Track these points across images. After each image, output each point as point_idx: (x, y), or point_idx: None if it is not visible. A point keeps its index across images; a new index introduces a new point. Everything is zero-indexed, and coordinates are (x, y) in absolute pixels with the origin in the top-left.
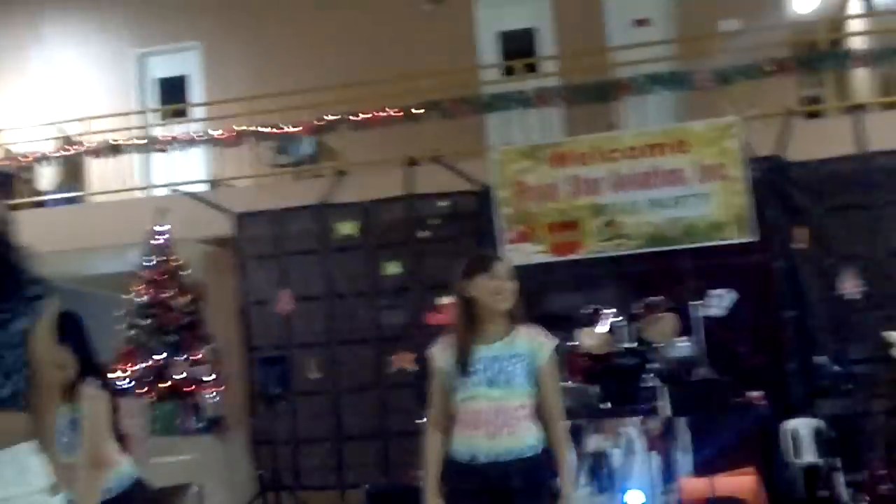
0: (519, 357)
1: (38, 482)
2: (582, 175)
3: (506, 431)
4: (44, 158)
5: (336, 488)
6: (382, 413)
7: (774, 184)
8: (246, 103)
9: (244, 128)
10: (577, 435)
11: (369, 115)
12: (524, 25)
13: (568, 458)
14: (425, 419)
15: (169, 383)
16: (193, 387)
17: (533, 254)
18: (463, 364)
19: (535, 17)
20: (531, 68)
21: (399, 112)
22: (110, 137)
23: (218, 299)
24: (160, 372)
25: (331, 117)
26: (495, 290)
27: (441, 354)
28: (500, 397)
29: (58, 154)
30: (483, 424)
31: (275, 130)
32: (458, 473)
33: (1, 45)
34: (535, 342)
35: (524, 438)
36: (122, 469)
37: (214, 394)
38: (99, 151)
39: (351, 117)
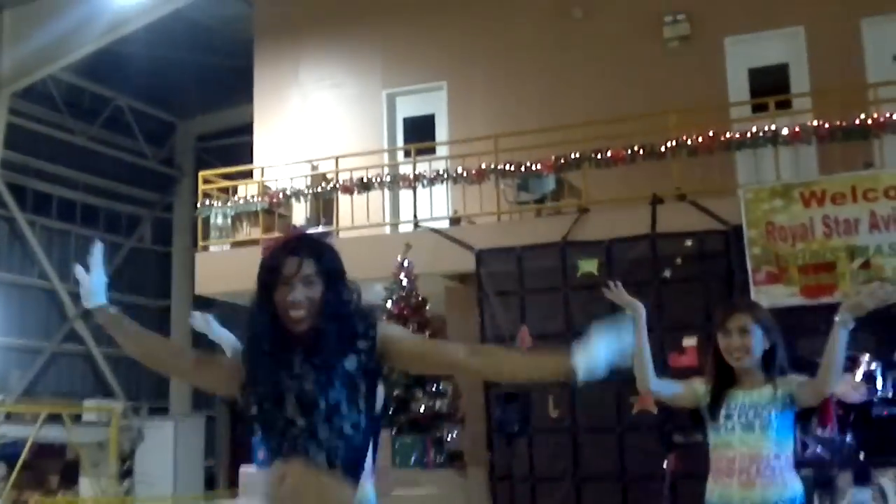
0: (775, 401)
1: None
2: (837, 215)
3: (759, 482)
4: (298, 194)
5: None
6: (622, 454)
7: None
8: (489, 141)
9: (487, 165)
10: (829, 486)
11: (613, 152)
12: (776, 61)
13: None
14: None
15: (409, 418)
16: (434, 421)
17: (783, 296)
18: (715, 408)
19: (787, 53)
20: (783, 105)
21: (644, 149)
22: (360, 174)
23: (458, 334)
24: (402, 405)
25: (574, 154)
26: (726, 348)
27: (703, 384)
28: (755, 444)
29: (311, 190)
30: (737, 473)
31: (517, 167)
32: None
33: (262, 89)
34: (790, 385)
35: (779, 489)
36: (366, 492)
37: (454, 428)
38: (349, 188)
39: (594, 154)
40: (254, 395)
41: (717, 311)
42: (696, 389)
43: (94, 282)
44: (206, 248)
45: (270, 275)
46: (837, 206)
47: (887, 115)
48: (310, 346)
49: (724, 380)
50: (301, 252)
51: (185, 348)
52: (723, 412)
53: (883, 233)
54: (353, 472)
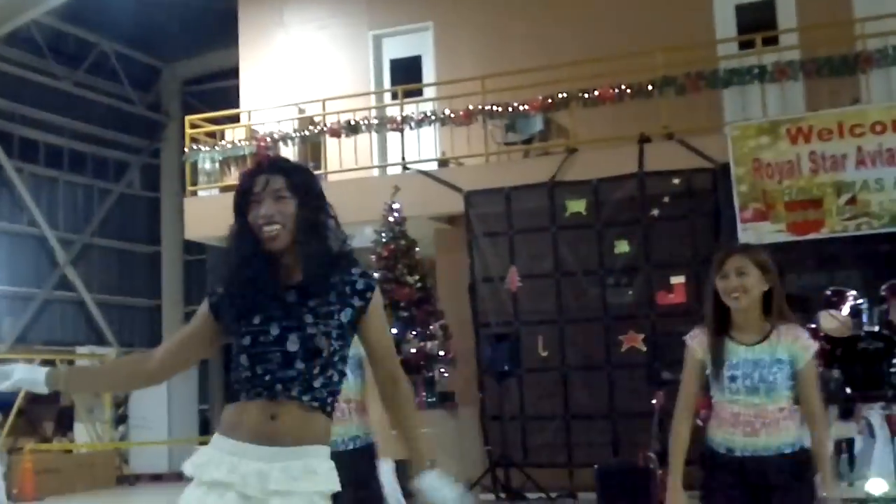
0: (780, 363)
1: (322, 486)
2: (823, 151)
3: (764, 431)
4: (285, 138)
5: (565, 466)
6: (611, 392)
7: None
8: (477, 82)
9: (475, 106)
10: None
11: (600, 92)
12: None
13: (829, 459)
14: (676, 406)
15: (401, 358)
16: (425, 362)
17: (770, 233)
18: (718, 365)
19: None
20: (770, 41)
21: (631, 88)
22: (348, 117)
23: (448, 276)
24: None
25: (561, 94)
26: (724, 290)
27: (699, 346)
28: (760, 403)
29: (298, 134)
30: (741, 424)
31: (505, 108)
32: (715, 464)
33: (247, 31)
34: (796, 346)
35: (783, 436)
36: (368, 426)
37: (445, 369)
38: (337, 131)
39: (582, 94)
40: (245, 326)
41: (715, 255)
42: (700, 359)
43: (24, 375)
44: (194, 193)
45: (242, 197)
46: (824, 142)
47: (874, 50)
48: (304, 281)
49: (722, 325)
50: (269, 170)
51: (153, 352)
52: (726, 373)
53: (870, 168)
54: (332, 412)
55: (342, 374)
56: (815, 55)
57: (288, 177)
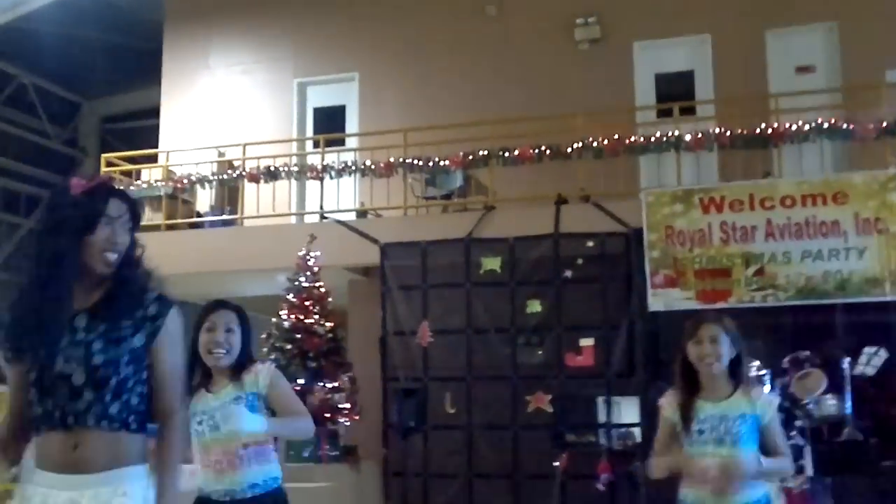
0: (744, 417)
1: None
2: (734, 222)
3: (731, 489)
4: (203, 180)
5: None
6: (515, 453)
7: None
8: (399, 134)
9: (396, 158)
10: None
11: (521, 151)
12: (682, 68)
13: (776, 467)
14: (648, 459)
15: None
16: (330, 414)
17: (679, 300)
18: (686, 420)
19: (694, 60)
20: (687, 111)
21: (551, 149)
22: (268, 163)
23: (359, 327)
24: (299, 397)
25: (482, 152)
26: (698, 356)
27: (669, 406)
28: (727, 455)
29: (217, 177)
30: (711, 481)
31: (426, 162)
32: None
33: (171, 71)
34: (760, 402)
35: (751, 493)
36: (274, 468)
37: (350, 422)
38: (256, 176)
39: (502, 152)
40: (32, 360)
41: (689, 322)
42: (669, 417)
43: None
44: None
45: (94, 214)
46: (735, 213)
47: (787, 125)
48: (99, 305)
49: (691, 387)
50: (121, 196)
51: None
52: (695, 427)
53: (778, 241)
54: (143, 429)
55: (143, 395)
56: (731, 127)
57: (131, 206)
